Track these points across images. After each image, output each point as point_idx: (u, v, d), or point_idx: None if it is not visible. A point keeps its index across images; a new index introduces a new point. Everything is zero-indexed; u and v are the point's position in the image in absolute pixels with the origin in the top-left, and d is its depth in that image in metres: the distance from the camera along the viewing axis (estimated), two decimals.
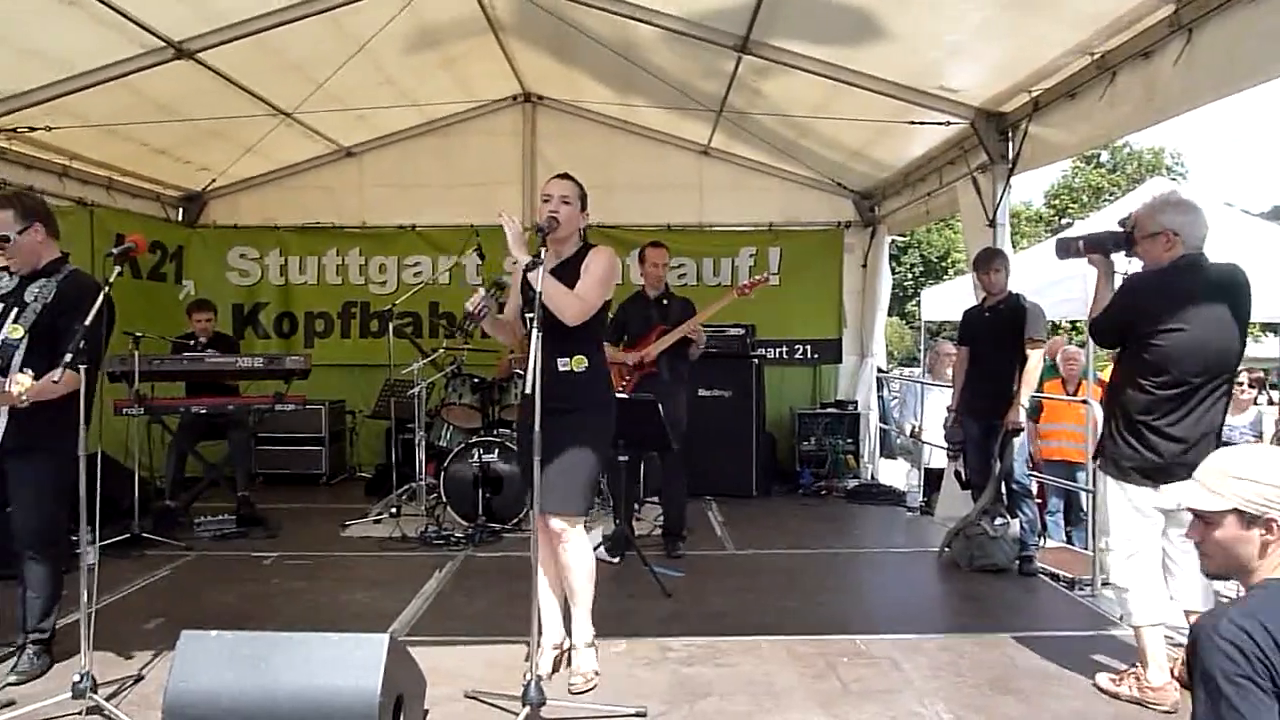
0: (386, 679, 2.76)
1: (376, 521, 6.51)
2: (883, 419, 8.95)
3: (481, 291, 3.61)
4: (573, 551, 3.54)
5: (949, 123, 6.09)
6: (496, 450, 6.23)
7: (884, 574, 5.73)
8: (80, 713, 3.24)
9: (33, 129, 6.13)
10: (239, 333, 8.40)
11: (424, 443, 6.68)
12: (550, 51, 7.37)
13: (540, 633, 3.43)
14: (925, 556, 5.79)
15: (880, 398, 8.92)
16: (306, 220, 8.72)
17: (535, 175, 8.61)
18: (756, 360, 7.80)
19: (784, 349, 8.63)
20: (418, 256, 8.68)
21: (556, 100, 8.56)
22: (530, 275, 3.25)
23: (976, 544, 5.30)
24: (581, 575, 3.56)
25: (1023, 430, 5.33)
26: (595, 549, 4.12)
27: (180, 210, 8.67)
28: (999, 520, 5.27)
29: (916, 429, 7.98)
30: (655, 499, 6.64)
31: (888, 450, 9.05)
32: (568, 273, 3.51)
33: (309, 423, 7.95)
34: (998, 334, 5.34)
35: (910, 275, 31.93)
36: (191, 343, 6.61)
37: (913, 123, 6.19)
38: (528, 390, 3.10)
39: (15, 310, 3.60)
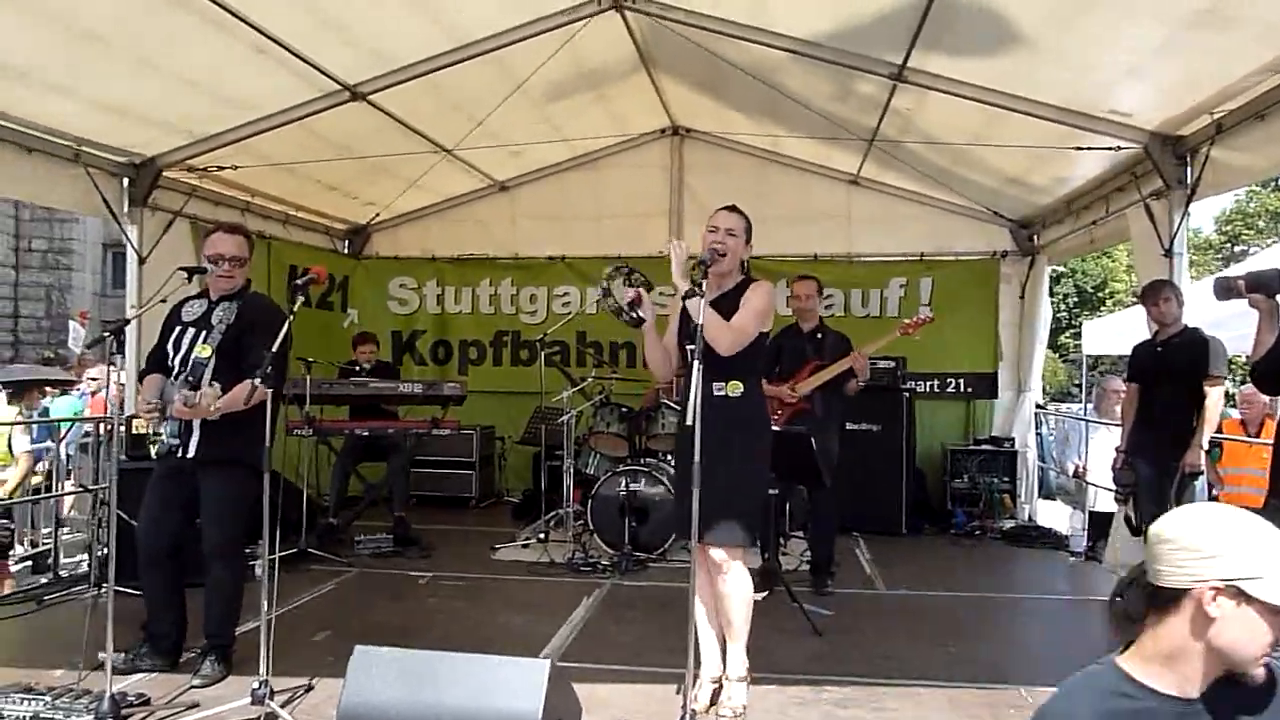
0: (548, 705, 2.79)
1: (525, 546, 6.65)
2: (1041, 457, 8.52)
3: (640, 290, 3.66)
4: (733, 583, 3.50)
5: (1119, 147, 5.79)
6: (643, 479, 6.28)
7: (1048, 622, 5.43)
8: (258, 718, 3.41)
9: (221, 168, 6.63)
10: (397, 359, 8.79)
11: (572, 470, 6.79)
12: (699, 85, 7.45)
13: (697, 665, 3.40)
14: (1092, 605, 5.45)
15: (1039, 435, 8.51)
16: (462, 251, 9.07)
17: (682, 207, 8.69)
18: (907, 393, 7.59)
19: (936, 382, 8.36)
20: (566, 287, 8.89)
21: (704, 133, 8.63)
22: (689, 304, 3.27)
23: None
24: (740, 607, 3.52)
25: (1202, 474, 4.97)
26: None
27: (346, 242, 9.18)
28: None
29: (1081, 469, 7.56)
30: (800, 533, 6.53)
31: (1046, 491, 8.61)
32: (727, 305, 3.52)
33: (461, 447, 8.22)
34: (1172, 370, 5.01)
35: (1064, 306, 30.44)
36: (356, 368, 6.96)
37: (1079, 148, 5.92)
38: (688, 420, 3.10)
39: (204, 332, 3.88)
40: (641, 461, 6.47)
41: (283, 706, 3.50)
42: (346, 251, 9.16)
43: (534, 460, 8.34)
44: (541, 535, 6.63)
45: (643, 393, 7.32)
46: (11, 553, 6.57)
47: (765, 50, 5.80)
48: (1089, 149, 5.89)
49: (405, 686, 2.87)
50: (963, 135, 6.57)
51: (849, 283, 8.49)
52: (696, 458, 3.11)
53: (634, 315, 3.64)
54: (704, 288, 3.29)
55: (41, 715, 3.34)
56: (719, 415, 3.35)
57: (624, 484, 6.25)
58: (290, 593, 5.27)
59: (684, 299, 3.30)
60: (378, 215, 8.96)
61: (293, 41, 5.21)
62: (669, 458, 6.86)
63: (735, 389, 3.52)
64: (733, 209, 3.72)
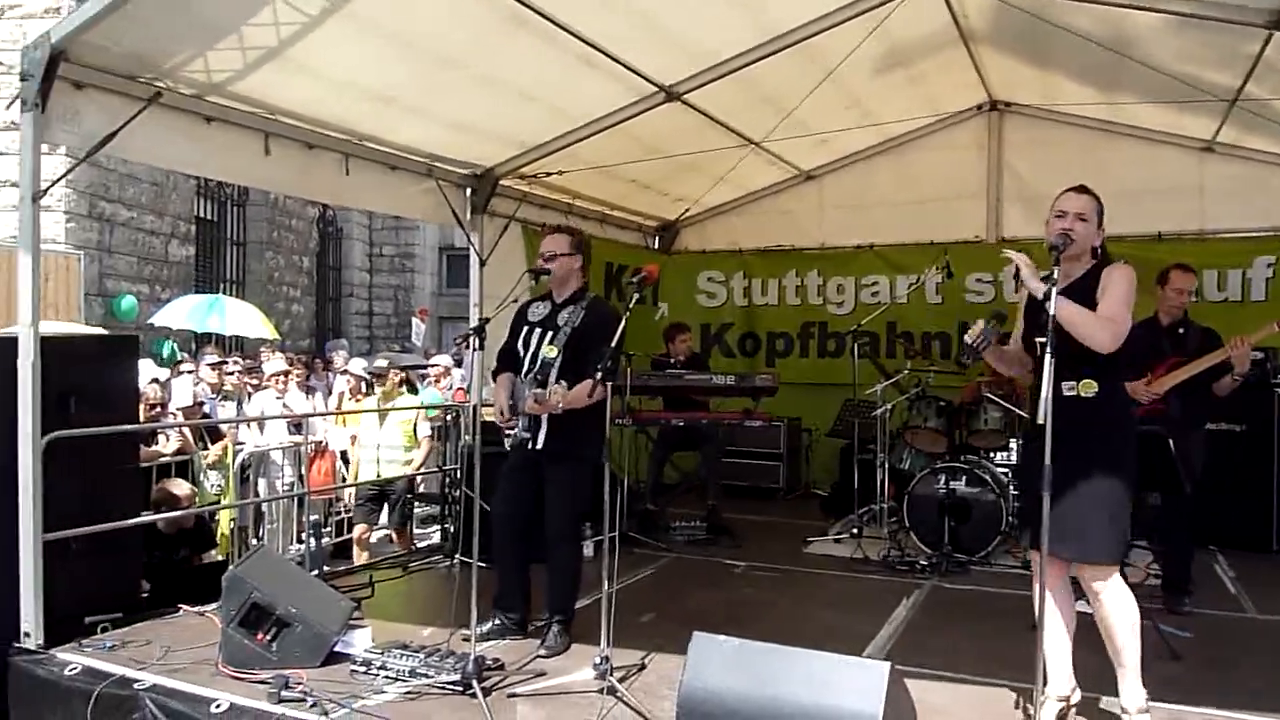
0: (887, 708, 2.72)
1: (837, 541, 6.57)
2: None
3: (980, 323, 3.44)
4: (1110, 605, 3.22)
5: None
6: (964, 477, 5.98)
7: None
8: (600, 691, 3.62)
9: (549, 174, 7.09)
10: (705, 352, 8.99)
11: (886, 465, 6.60)
12: (1023, 55, 6.92)
13: (1045, 681, 3.17)
14: None
15: None
16: (768, 243, 9.10)
17: (1001, 188, 8.14)
18: (1279, 389, 6.62)
19: None
20: (875, 276, 8.64)
21: (1026, 106, 8.02)
22: (1047, 303, 3.02)
23: None
24: (1124, 632, 3.21)
25: None
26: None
27: (657, 238, 9.52)
28: None
29: None
30: (1143, 544, 5.90)
31: None
32: (1077, 294, 3.23)
33: (768, 438, 8.27)
34: None
35: None
36: (670, 361, 7.20)
37: None
38: (1040, 420, 2.88)
39: (551, 333, 4.19)
40: (962, 459, 6.15)
41: (620, 682, 3.69)
42: (657, 247, 9.50)
43: (842, 453, 8.21)
44: (854, 530, 6.51)
45: (961, 386, 6.95)
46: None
47: (1105, 9, 5.28)
48: None
49: (743, 675, 2.92)
50: None
51: (1202, 263, 7.45)
52: (1047, 460, 2.90)
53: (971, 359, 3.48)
54: (1055, 276, 3.03)
55: (417, 670, 3.76)
56: (1071, 417, 3.07)
57: (943, 481, 5.98)
58: (615, 574, 5.56)
59: (1043, 300, 3.04)
60: (687, 211, 9.21)
61: (614, 48, 5.46)
62: (992, 455, 6.49)
63: (1089, 389, 3.22)
64: (1081, 190, 3.41)
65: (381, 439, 7.23)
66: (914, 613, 4.98)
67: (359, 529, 7.36)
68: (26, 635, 4.05)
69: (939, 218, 8.15)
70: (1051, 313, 2.99)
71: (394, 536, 7.62)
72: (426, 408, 7.98)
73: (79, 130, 4.27)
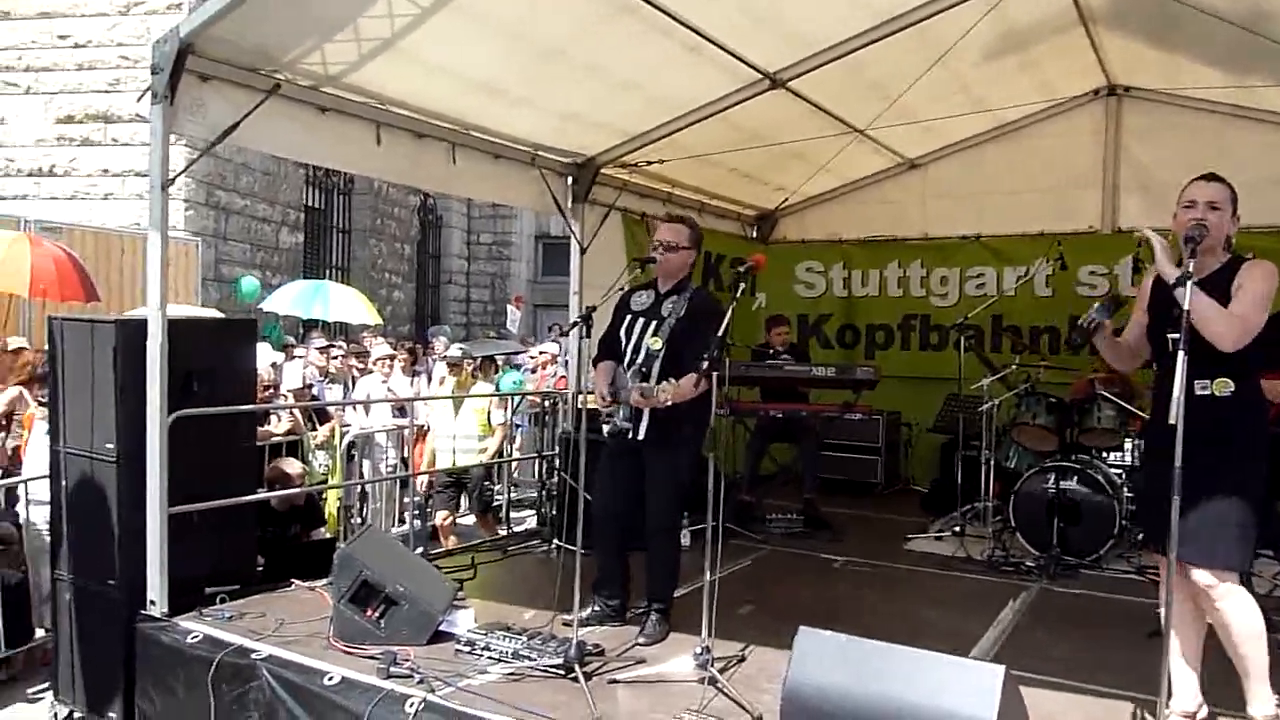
0: (1001, 713, 2.64)
1: (938, 538, 6.41)
2: None
3: (1095, 306, 3.31)
4: (1229, 612, 3.07)
5: None
6: (1074, 477, 5.76)
7: None
8: (701, 681, 3.61)
9: (649, 163, 7.09)
10: (803, 343, 8.86)
11: (991, 462, 6.41)
12: (1146, 36, 6.60)
13: (1169, 695, 3.03)
14: None
15: None
16: (869, 233, 8.92)
17: (1118, 176, 7.79)
18: None
19: None
20: (981, 267, 8.38)
21: (1148, 90, 7.65)
22: (1177, 293, 2.88)
23: None
24: (1246, 640, 3.07)
25: None
26: None
27: (755, 228, 9.43)
28: None
29: None
30: (1269, 553, 5.59)
31: None
32: (1213, 290, 3.06)
33: (867, 432, 8.11)
34: None
35: None
36: (769, 351, 7.13)
37: None
38: (1170, 420, 2.74)
39: (654, 324, 4.18)
40: (1073, 457, 5.93)
41: (720, 673, 3.67)
42: (755, 237, 9.41)
43: (942, 449, 8.01)
44: (956, 528, 6.34)
45: (1071, 382, 6.69)
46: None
47: None
48: None
49: (850, 672, 2.87)
50: None
51: None
52: (1177, 461, 2.76)
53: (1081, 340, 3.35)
54: (1189, 269, 2.88)
55: (520, 653, 3.81)
56: (1202, 418, 2.92)
57: (1052, 481, 5.77)
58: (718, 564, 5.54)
59: (1173, 288, 2.90)
60: (786, 200, 9.09)
61: (721, 36, 5.41)
62: (1104, 455, 6.24)
63: (1224, 387, 3.06)
64: (1212, 177, 3.24)
65: (457, 428, 7.28)
66: (1021, 615, 4.82)
67: (441, 515, 7.49)
68: (152, 603, 4.26)
69: (1051, 207, 7.86)
70: (1186, 307, 2.84)
71: (476, 523, 7.74)
72: (513, 394, 8.07)
73: (204, 121, 4.44)
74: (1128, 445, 6.24)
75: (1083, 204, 7.84)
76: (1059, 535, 5.72)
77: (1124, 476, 5.99)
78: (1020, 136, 8.21)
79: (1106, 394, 5.96)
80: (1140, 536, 5.67)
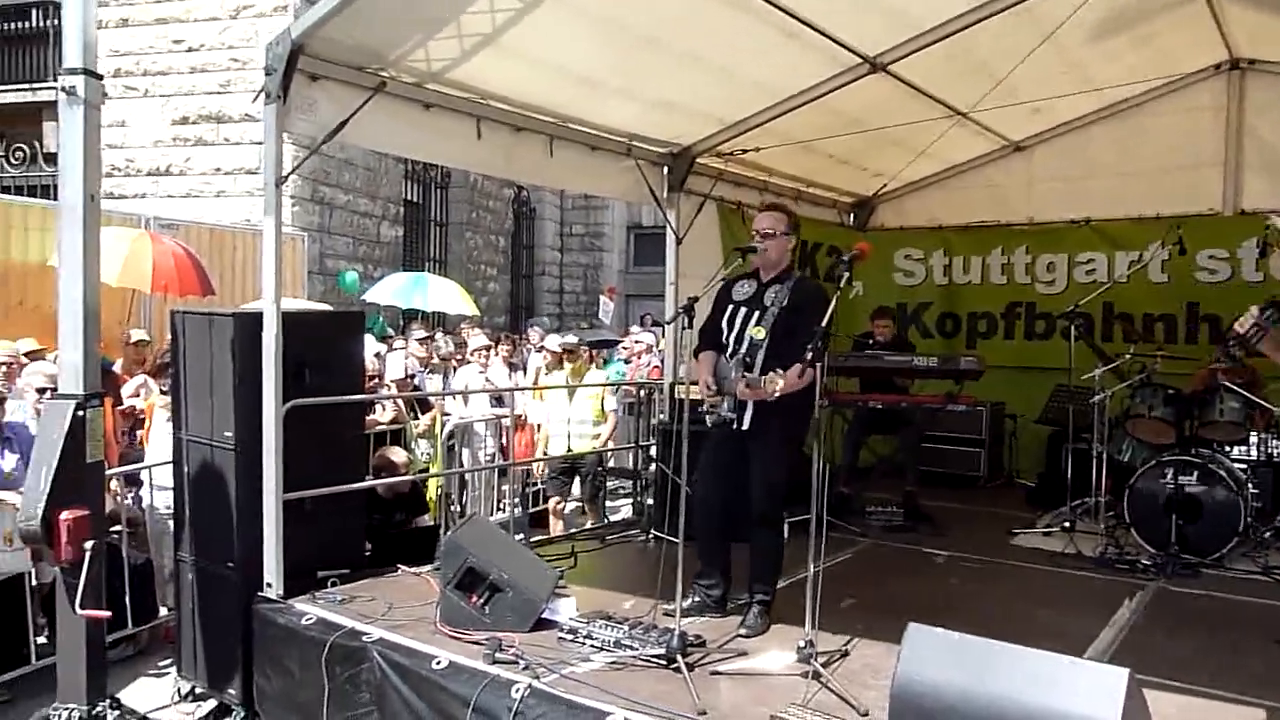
0: (1125, 718, 2.53)
1: (1046, 534, 6.20)
2: None
3: (1254, 310, 3.13)
4: None
5: None
6: (1195, 473, 5.50)
7: None
8: (804, 675, 3.58)
9: (745, 151, 7.01)
10: (902, 332, 8.67)
11: (1104, 456, 6.16)
12: (1273, 5, 6.23)
13: None
14: None
15: None
16: (970, 220, 8.66)
17: (1241, 155, 7.40)
18: None
19: None
20: (1091, 253, 8.05)
21: (1276, 64, 7.22)
22: None
23: None
24: None
25: None
26: None
27: (852, 215, 9.26)
28: None
29: None
30: None
31: None
32: None
33: (969, 424, 7.88)
34: None
35: None
36: (870, 341, 7.00)
37: None
38: None
39: (757, 313, 4.14)
40: (1193, 452, 5.65)
41: (824, 667, 3.63)
42: (853, 224, 9.25)
43: (1049, 441, 7.75)
44: (1066, 524, 6.12)
45: (1190, 373, 6.37)
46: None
47: None
48: None
49: (963, 670, 2.79)
50: None
51: None
52: None
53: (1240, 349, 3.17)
54: None
55: (622, 642, 3.84)
56: None
57: (1170, 476, 5.52)
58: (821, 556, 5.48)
59: None
60: (885, 186, 8.90)
61: (820, 20, 5.32)
62: (1228, 450, 5.94)
63: None
64: None
65: (571, 414, 7.40)
66: (1138, 616, 4.62)
67: (552, 500, 7.60)
68: (269, 586, 4.43)
69: (1166, 189, 7.52)
70: None
71: (585, 509, 7.82)
72: (617, 384, 8.11)
73: (315, 119, 4.58)
74: (1253, 439, 5.92)
75: (1202, 185, 7.48)
76: (1177, 533, 5.47)
77: (1249, 472, 5.68)
78: (1133, 115, 7.85)
79: (1231, 385, 5.66)
80: (1268, 534, 5.41)
